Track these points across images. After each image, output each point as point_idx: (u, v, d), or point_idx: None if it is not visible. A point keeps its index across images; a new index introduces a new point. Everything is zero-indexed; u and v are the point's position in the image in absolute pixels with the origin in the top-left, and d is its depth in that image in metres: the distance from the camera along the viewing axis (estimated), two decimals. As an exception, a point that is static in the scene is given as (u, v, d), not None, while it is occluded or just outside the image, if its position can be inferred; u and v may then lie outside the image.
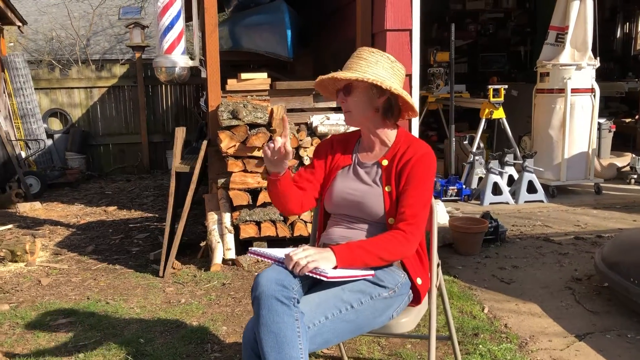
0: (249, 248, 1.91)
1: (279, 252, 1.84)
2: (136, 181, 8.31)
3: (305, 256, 1.74)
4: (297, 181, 2.11)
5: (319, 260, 1.74)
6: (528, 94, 6.27)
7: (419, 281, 2.01)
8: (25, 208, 6.20)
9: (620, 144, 7.30)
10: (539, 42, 8.71)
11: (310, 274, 1.72)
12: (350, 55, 2.02)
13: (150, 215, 5.99)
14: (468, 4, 9.51)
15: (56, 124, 8.78)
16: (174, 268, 4.04)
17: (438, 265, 2.23)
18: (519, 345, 2.71)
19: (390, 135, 2.04)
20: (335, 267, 1.76)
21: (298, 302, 1.71)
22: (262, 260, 4.12)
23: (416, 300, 2.04)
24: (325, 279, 1.71)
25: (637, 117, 7.92)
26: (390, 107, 1.98)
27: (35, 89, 8.33)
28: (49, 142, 8.41)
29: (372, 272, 1.86)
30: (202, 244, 4.38)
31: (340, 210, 2.06)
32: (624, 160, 6.56)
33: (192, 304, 3.42)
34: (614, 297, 3.16)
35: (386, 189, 1.97)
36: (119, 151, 9.04)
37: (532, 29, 9.63)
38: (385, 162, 2.01)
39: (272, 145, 1.86)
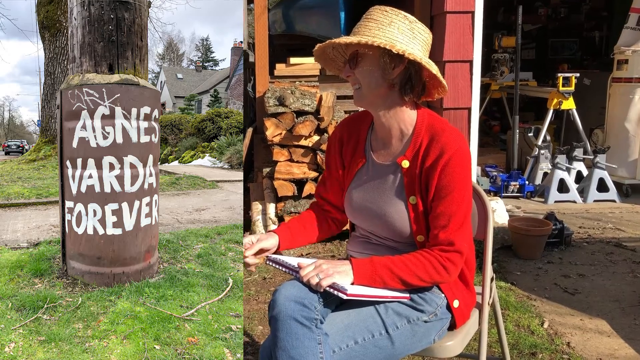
0: (268, 255, 1.68)
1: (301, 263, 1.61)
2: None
3: (318, 272, 1.50)
4: (321, 204, 1.90)
5: (334, 275, 1.50)
6: (601, 83, 5.77)
7: (455, 304, 1.69)
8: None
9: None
10: (616, 27, 8.06)
11: (329, 290, 1.48)
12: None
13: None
14: (539, -14, 8.91)
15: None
16: (216, 258, 3.91)
17: (492, 279, 1.94)
18: (583, 369, 2.40)
19: (408, 120, 1.65)
20: (352, 284, 1.52)
21: (321, 323, 1.48)
22: (307, 255, 3.94)
23: (452, 326, 1.73)
24: (345, 297, 1.46)
25: None
26: (409, 79, 1.59)
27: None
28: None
29: (407, 294, 1.61)
30: (247, 234, 4.23)
31: (362, 224, 1.77)
32: None
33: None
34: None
35: (410, 200, 1.63)
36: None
37: (608, 13, 8.92)
38: (405, 164, 1.65)
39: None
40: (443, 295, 1.68)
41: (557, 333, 2.72)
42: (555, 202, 5.00)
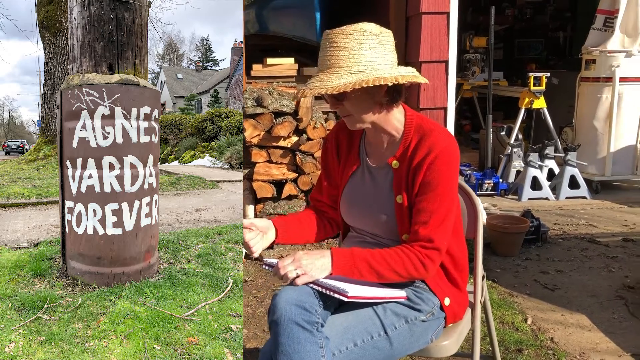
0: (263, 259, 1.66)
1: None
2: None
3: (295, 268, 1.50)
4: (318, 205, 1.89)
5: (312, 271, 1.50)
6: (568, 83, 5.89)
7: (446, 302, 1.71)
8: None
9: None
10: (580, 28, 8.24)
11: (329, 293, 1.47)
12: (322, 43, 1.59)
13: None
14: (506, -13, 9.07)
15: None
16: (193, 262, 3.86)
17: (483, 277, 1.96)
18: (567, 363, 2.44)
19: (397, 123, 1.67)
20: (330, 274, 1.53)
21: (322, 326, 1.48)
22: (287, 256, 3.91)
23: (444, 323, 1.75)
24: (345, 299, 1.46)
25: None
26: (397, 91, 1.60)
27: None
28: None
29: (404, 294, 1.62)
30: (224, 237, 4.18)
31: (354, 224, 1.79)
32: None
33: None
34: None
35: (397, 199, 1.65)
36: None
37: (572, 14, 9.14)
38: (395, 164, 1.67)
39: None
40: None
41: (541, 329, 2.77)
42: (529, 199, 5.09)
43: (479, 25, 8.47)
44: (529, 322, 2.83)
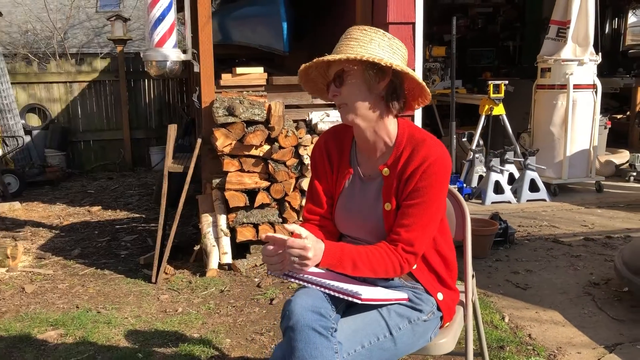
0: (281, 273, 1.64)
1: (316, 274, 1.62)
2: (119, 179, 7.99)
3: (301, 259, 1.50)
4: (315, 220, 1.83)
5: (310, 265, 1.52)
6: (522, 90, 6.10)
7: (440, 296, 1.77)
8: (4, 208, 5.87)
9: (611, 141, 7.17)
10: (528, 37, 8.58)
11: (342, 296, 1.51)
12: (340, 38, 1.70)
13: (137, 215, 5.72)
14: (458, -2, 9.37)
15: (34, 120, 8.40)
16: (166, 273, 3.83)
17: (473, 277, 2.05)
18: (547, 358, 2.56)
19: (391, 130, 1.70)
20: (317, 265, 1.56)
21: (336, 331, 1.51)
22: (261, 265, 3.91)
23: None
24: (359, 302, 1.51)
25: (629, 113, 7.87)
26: (394, 90, 1.64)
27: (12, 83, 7.93)
28: (27, 138, 8.01)
29: (406, 295, 1.69)
30: (196, 247, 4.14)
31: (349, 233, 1.81)
32: (620, 157, 6.47)
33: (190, 313, 3.21)
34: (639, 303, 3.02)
35: (385, 207, 1.69)
36: (100, 148, 8.68)
37: (520, 24, 9.53)
38: (386, 172, 1.70)
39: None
40: (438, 294, 1.76)
41: (518, 326, 2.87)
42: (492, 203, 5.24)
43: (432, 35, 8.71)
44: (506, 320, 2.94)
